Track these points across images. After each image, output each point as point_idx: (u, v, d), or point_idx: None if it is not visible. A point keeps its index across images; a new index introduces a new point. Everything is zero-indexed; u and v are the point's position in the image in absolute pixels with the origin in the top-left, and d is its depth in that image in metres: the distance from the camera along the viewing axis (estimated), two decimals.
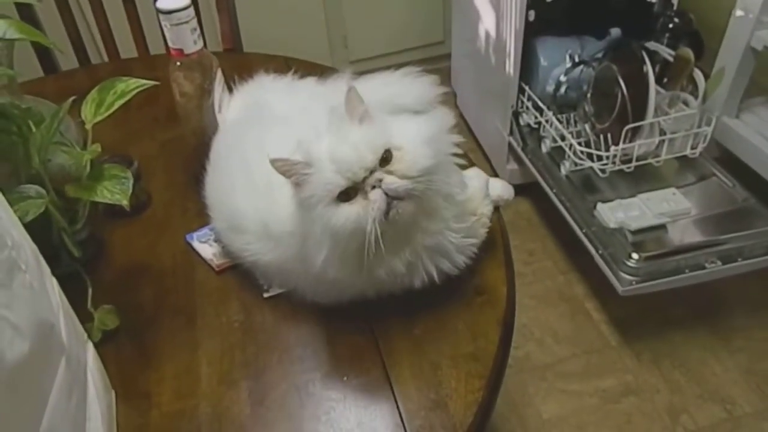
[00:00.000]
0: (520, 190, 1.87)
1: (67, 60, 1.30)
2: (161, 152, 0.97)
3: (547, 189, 1.64)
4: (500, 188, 0.84)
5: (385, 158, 0.58)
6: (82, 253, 0.73)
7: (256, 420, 0.62)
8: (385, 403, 0.62)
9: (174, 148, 0.96)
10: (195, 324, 0.72)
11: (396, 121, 0.63)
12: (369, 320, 0.69)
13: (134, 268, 0.80)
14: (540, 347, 1.57)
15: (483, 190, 0.74)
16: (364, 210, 0.57)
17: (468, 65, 2.12)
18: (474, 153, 2.13)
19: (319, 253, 0.60)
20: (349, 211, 0.58)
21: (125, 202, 0.60)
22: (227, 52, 1.26)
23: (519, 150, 1.79)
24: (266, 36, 2.22)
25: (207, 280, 0.76)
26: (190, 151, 0.87)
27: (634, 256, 1.38)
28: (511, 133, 1.82)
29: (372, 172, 0.58)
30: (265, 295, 0.73)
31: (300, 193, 0.60)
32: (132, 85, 0.64)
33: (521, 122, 1.80)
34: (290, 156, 0.59)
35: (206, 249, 0.79)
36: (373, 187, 0.58)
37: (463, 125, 2.23)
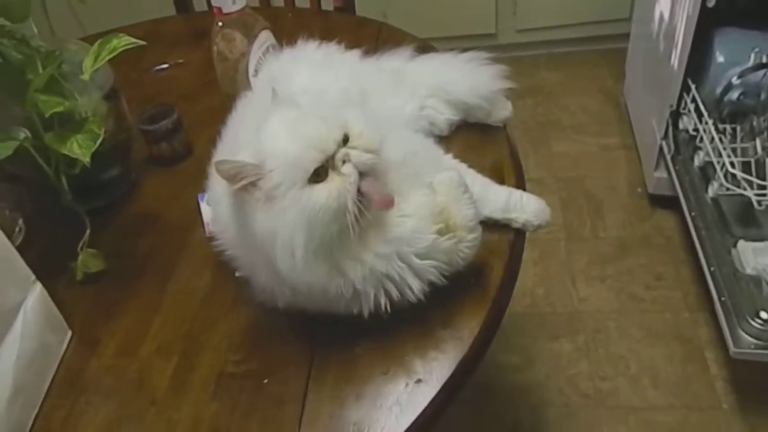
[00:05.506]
0: (667, 202, 1.64)
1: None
2: (222, 108, 0.98)
3: (685, 210, 1.39)
4: (532, 210, 0.71)
5: (344, 138, 0.56)
6: (110, 192, 0.84)
7: (166, 397, 0.61)
8: (289, 419, 0.58)
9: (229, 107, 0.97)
10: (166, 286, 0.73)
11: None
12: (314, 330, 0.64)
13: (145, 216, 0.83)
14: (632, 386, 1.37)
15: (458, 196, 0.60)
16: (343, 185, 0.54)
17: (640, 49, 1.84)
18: (627, 151, 1.88)
19: (289, 255, 0.54)
20: (329, 187, 0.54)
21: (87, 159, 0.62)
22: (337, 11, 1.23)
23: (668, 157, 1.53)
24: None
25: (196, 244, 0.77)
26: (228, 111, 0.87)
27: (763, 315, 1.12)
28: (666, 136, 1.56)
29: (338, 147, 0.55)
30: (237, 273, 0.71)
31: (256, 192, 0.55)
32: (123, 42, 0.65)
33: (680, 126, 1.53)
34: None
35: (208, 212, 0.79)
36: (344, 163, 0.55)
37: (625, 116, 1.96)
